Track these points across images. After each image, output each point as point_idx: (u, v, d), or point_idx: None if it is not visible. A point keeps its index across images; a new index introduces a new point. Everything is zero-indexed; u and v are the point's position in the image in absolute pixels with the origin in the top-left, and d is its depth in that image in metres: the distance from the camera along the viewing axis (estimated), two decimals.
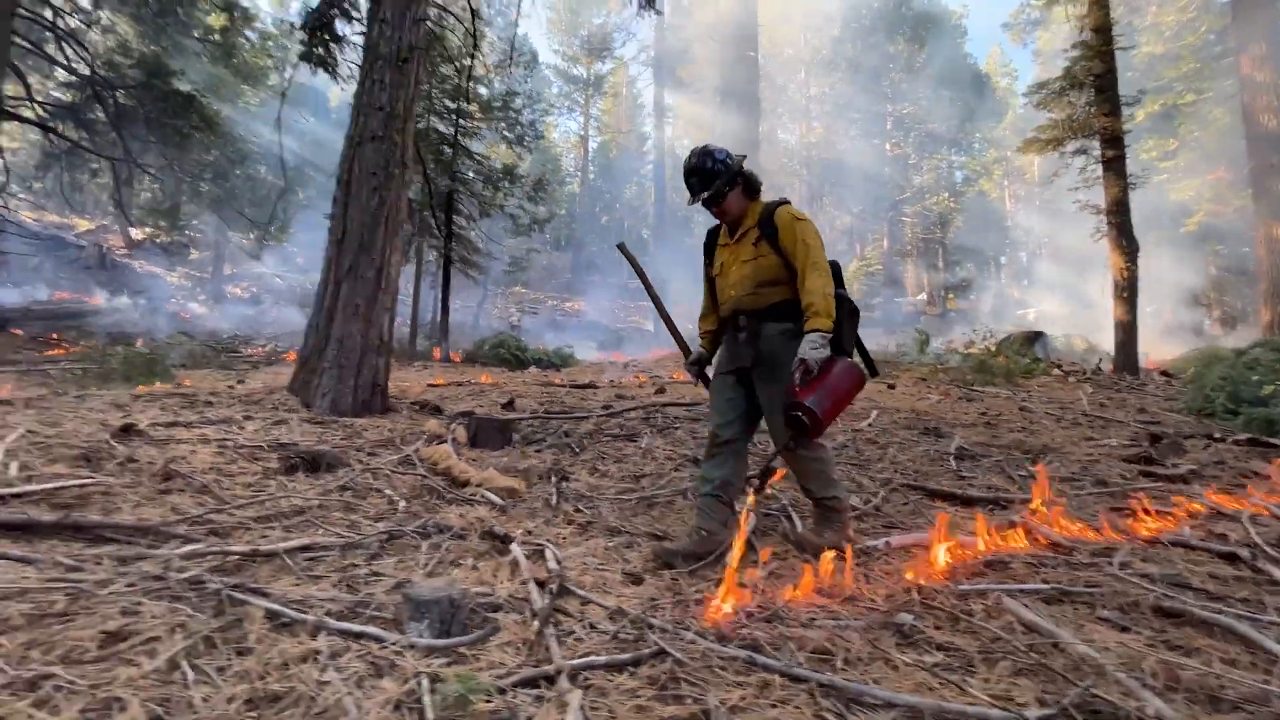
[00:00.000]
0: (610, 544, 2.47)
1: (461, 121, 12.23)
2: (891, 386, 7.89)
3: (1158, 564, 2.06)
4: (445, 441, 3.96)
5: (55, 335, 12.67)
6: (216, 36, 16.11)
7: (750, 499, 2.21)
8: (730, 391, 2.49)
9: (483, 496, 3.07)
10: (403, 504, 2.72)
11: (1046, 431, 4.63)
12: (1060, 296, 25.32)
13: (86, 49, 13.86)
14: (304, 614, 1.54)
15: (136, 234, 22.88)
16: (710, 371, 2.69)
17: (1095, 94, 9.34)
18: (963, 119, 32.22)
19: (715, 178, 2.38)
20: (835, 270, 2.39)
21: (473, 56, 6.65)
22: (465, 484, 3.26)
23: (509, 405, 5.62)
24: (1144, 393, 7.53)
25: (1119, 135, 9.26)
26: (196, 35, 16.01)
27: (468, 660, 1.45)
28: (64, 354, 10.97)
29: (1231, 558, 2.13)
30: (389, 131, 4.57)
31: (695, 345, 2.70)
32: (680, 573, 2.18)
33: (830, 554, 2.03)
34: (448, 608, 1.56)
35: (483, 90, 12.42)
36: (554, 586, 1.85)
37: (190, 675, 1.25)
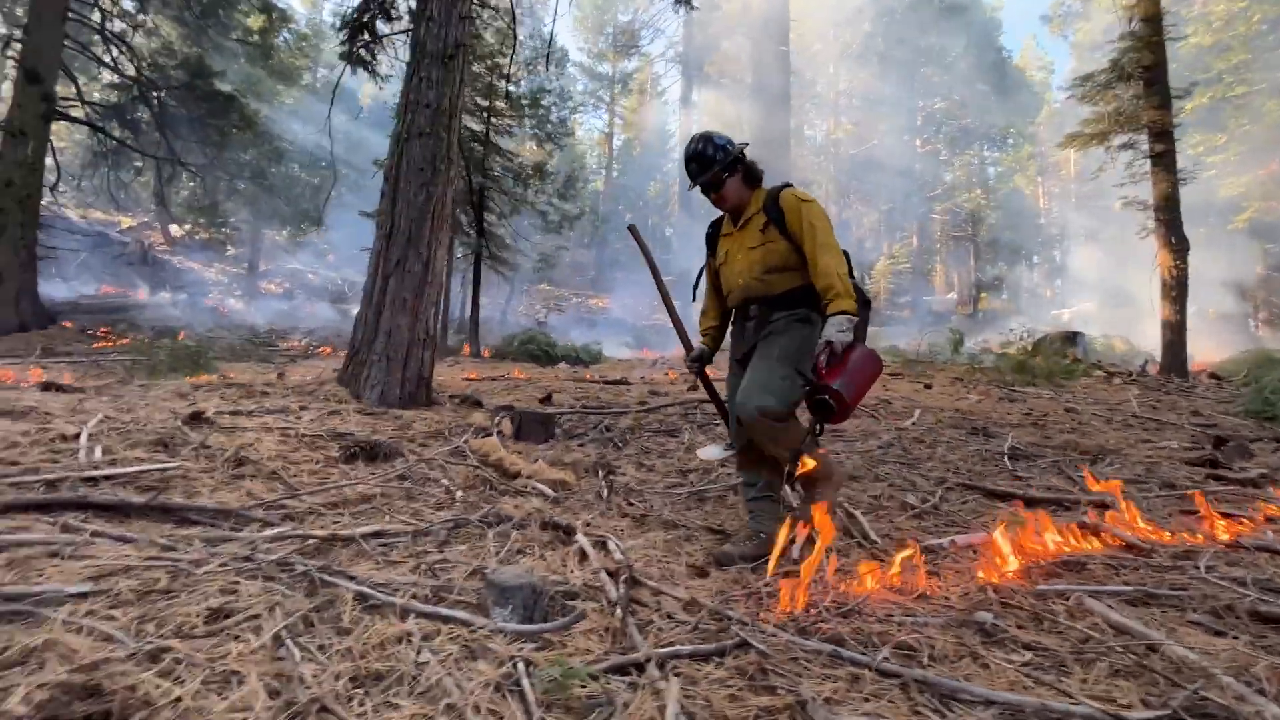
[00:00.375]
0: (669, 537, 2.48)
1: (492, 119, 12.33)
2: (928, 386, 7.76)
3: (1244, 568, 1.99)
4: (491, 434, 4.02)
5: (102, 329, 13.11)
6: (255, 37, 16.51)
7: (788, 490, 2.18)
8: (734, 365, 2.43)
9: (534, 488, 3.10)
10: (459, 494, 2.76)
11: (1098, 433, 4.51)
12: (1097, 296, 24.62)
13: (133, 50, 14.31)
14: (391, 597, 1.57)
15: (176, 230, 23.59)
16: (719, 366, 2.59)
17: (1144, 86, 9.04)
18: (996, 114, 31.47)
19: (713, 163, 2.32)
20: (846, 257, 2.31)
21: (511, 54, 6.69)
22: (516, 475, 3.30)
23: (547, 400, 5.66)
24: (1194, 395, 7.28)
25: (1168, 129, 8.96)
26: (235, 37, 16.42)
27: (554, 646, 1.47)
28: (111, 346, 11.34)
29: None
30: (436, 127, 4.63)
31: (696, 342, 2.59)
32: (744, 566, 2.17)
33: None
34: (530, 594, 1.58)
35: (512, 88, 12.51)
36: (626, 577, 1.86)
37: (296, 653, 1.28)
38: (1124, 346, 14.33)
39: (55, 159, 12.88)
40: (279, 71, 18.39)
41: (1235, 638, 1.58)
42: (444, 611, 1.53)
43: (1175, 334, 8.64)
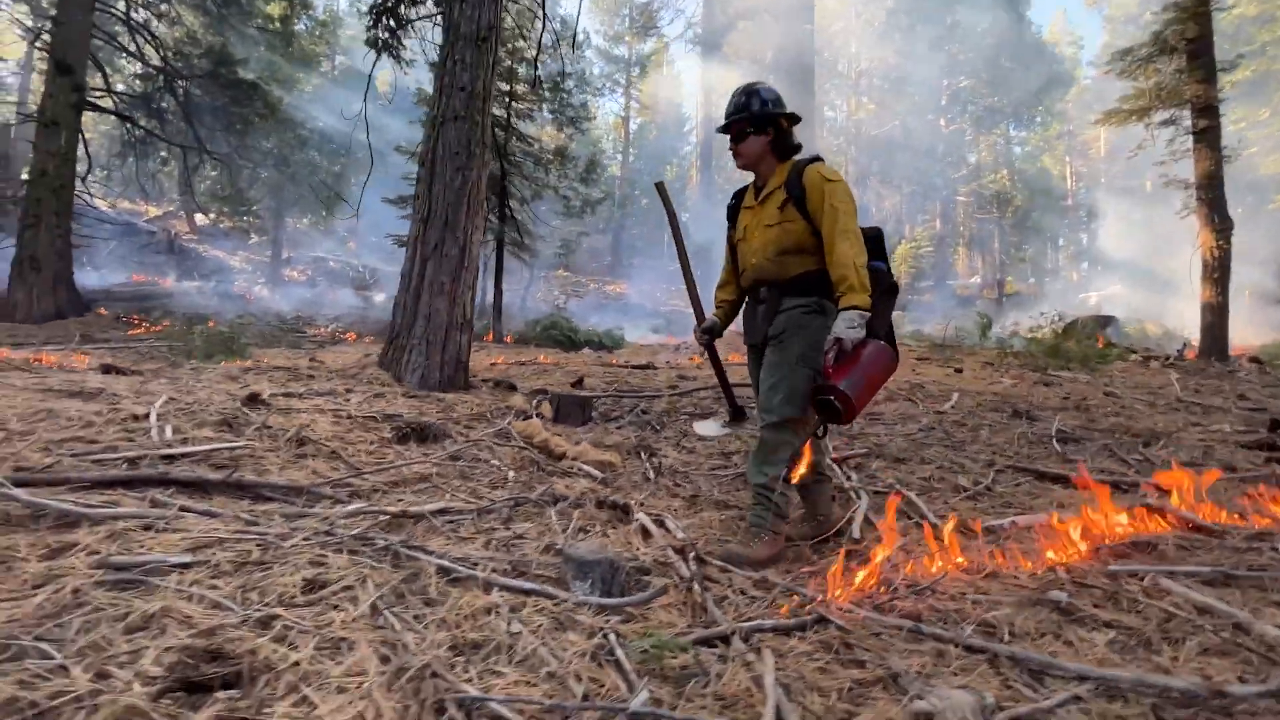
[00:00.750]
0: (722, 517, 2.49)
1: (513, 104, 12.28)
2: (959, 370, 7.67)
3: None
4: (531, 417, 4.06)
5: (135, 316, 13.40)
6: (275, 24, 16.56)
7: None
8: (751, 350, 2.37)
9: (580, 469, 3.13)
10: (511, 474, 2.80)
11: (1144, 416, 4.43)
12: (1126, 279, 24.01)
13: (158, 40, 14.43)
14: (472, 571, 1.60)
15: (200, 219, 23.95)
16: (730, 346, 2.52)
17: (1187, 60, 8.72)
18: (1024, 91, 30.58)
19: (744, 111, 2.18)
20: (878, 239, 2.20)
21: (540, 35, 6.63)
22: (561, 457, 3.33)
23: (579, 384, 5.69)
24: (1237, 379, 7.11)
25: (1213, 104, 8.64)
26: (257, 25, 16.48)
27: (636, 619, 1.49)
28: (145, 332, 11.60)
29: None
30: (470, 111, 4.62)
31: (710, 313, 2.51)
32: (805, 544, 2.18)
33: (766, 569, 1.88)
34: (608, 569, 1.61)
35: (534, 71, 12.41)
36: (694, 554, 1.88)
37: (395, 622, 1.31)
38: (1157, 330, 13.99)
39: (86, 149, 13.09)
40: (298, 58, 18.46)
41: None
42: (526, 585, 1.56)
43: (1216, 316, 8.41)
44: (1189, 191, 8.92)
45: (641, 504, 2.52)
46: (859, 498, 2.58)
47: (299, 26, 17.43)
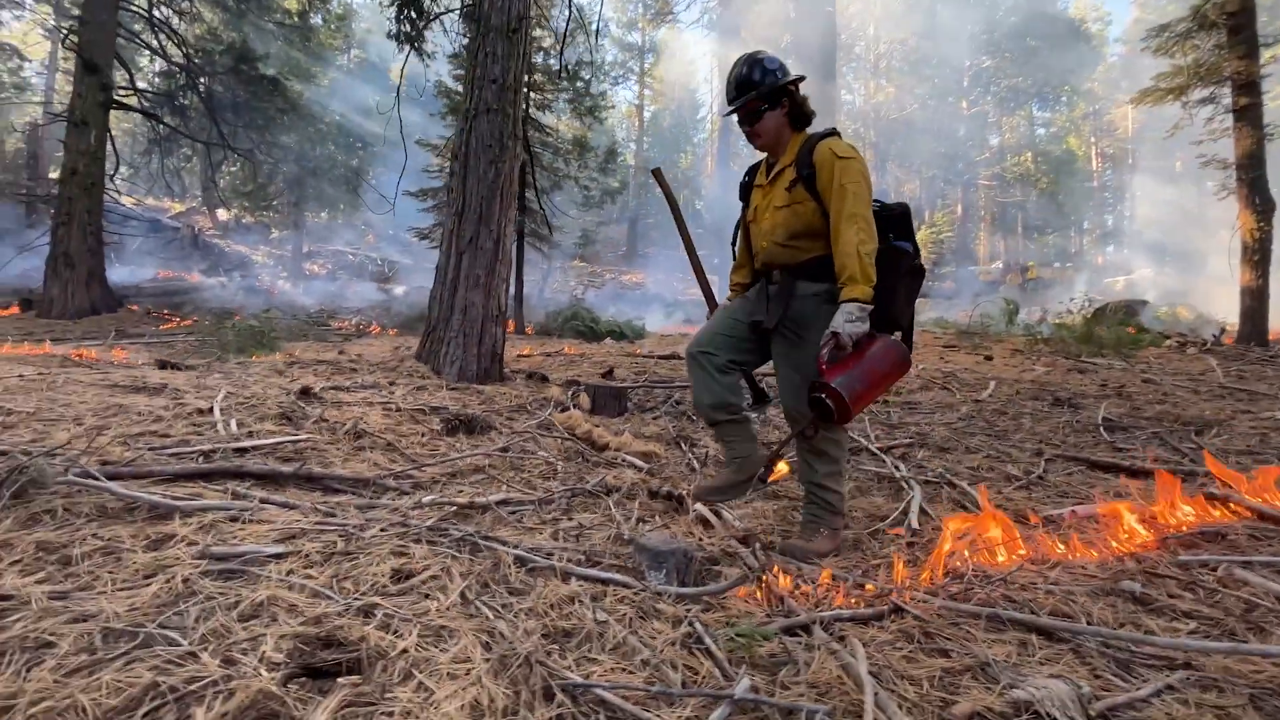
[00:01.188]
0: (775, 506, 2.51)
1: (532, 94, 12.24)
2: (988, 358, 7.57)
3: None
4: (568, 408, 4.09)
5: (165, 311, 13.67)
6: (294, 19, 16.65)
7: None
8: (741, 315, 2.17)
9: (623, 460, 3.16)
10: (560, 465, 2.84)
11: (1190, 404, 4.35)
12: (1155, 262, 23.46)
13: (181, 37, 14.59)
14: (548, 560, 1.63)
15: (222, 214, 24.30)
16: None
17: (1228, 35, 8.44)
18: (1050, 70, 29.79)
19: (754, 88, 1.99)
20: (905, 216, 2.02)
21: (568, 29, 6.60)
22: (604, 448, 3.36)
23: (609, 375, 5.71)
24: None
25: (1255, 81, 8.36)
26: (275, 20, 16.58)
27: (714, 608, 1.51)
28: (176, 327, 11.83)
29: None
30: (502, 103, 4.62)
31: (723, 299, 2.41)
32: (862, 534, 2.19)
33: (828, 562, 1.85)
34: (682, 559, 1.63)
35: (552, 62, 12.36)
36: (758, 544, 1.90)
37: (487, 611, 1.35)
38: (1189, 314, 13.67)
39: (114, 147, 13.31)
40: (316, 53, 18.57)
41: None
42: (602, 575, 1.59)
43: (1256, 301, 8.20)
44: (1228, 172, 8.67)
45: (692, 494, 2.54)
46: (910, 487, 2.58)
47: (316, 20, 17.50)
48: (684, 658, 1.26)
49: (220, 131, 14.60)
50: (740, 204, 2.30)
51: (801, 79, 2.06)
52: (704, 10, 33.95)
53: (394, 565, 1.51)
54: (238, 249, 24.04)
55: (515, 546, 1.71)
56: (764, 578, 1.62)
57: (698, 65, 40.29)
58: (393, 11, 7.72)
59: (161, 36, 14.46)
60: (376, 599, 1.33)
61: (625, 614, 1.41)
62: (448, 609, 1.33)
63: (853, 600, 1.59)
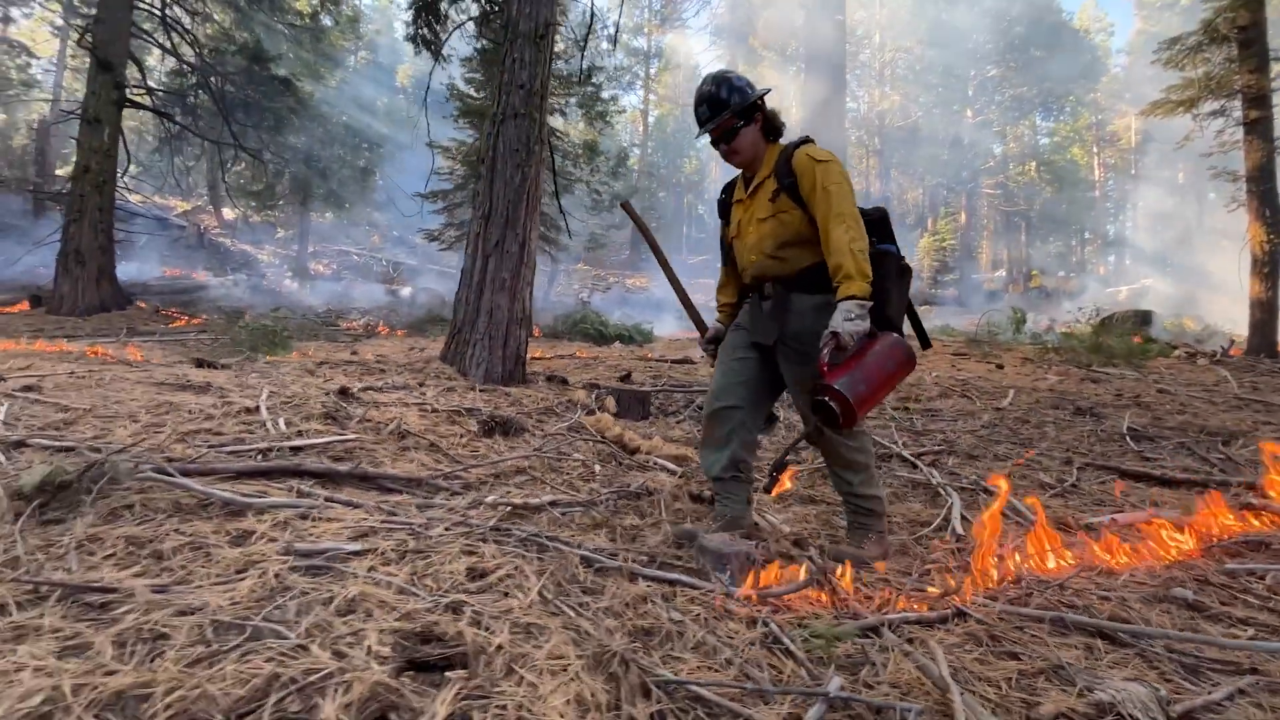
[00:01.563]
0: (815, 511, 2.54)
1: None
2: (1000, 367, 7.62)
3: None
4: (594, 411, 4.12)
5: (174, 309, 13.69)
6: (305, 20, 16.73)
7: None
8: (742, 352, 2.11)
9: (655, 463, 3.19)
10: (597, 468, 2.87)
11: (1210, 414, 4.39)
12: (1158, 273, 23.56)
13: (194, 36, 14.66)
14: (614, 561, 1.66)
15: (228, 213, 24.33)
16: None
17: (1239, 48, 8.52)
18: (1054, 80, 29.97)
19: (726, 107, 1.99)
20: (883, 220, 2.01)
21: (589, 34, 6.66)
22: (635, 451, 3.40)
23: (626, 378, 5.75)
24: None
25: (1265, 94, 8.44)
26: (287, 20, 16.66)
27: (782, 610, 1.54)
28: (186, 325, 11.85)
29: None
30: (529, 109, 4.67)
31: (712, 320, 2.35)
32: (907, 540, 2.22)
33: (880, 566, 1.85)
34: (745, 560, 1.66)
35: (565, 65, 12.44)
36: (816, 548, 1.93)
37: (566, 609, 1.38)
38: (1195, 325, 13.74)
39: (125, 145, 13.36)
40: (327, 53, 18.66)
41: None
42: (669, 575, 1.62)
43: (1265, 313, 8.26)
44: (1238, 184, 8.74)
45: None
46: (948, 494, 2.61)
47: (326, 21, 17.58)
48: (766, 657, 1.29)
49: (231, 131, 14.66)
50: (720, 222, 2.27)
51: (768, 91, 2.07)
52: (711, 18, 34.14)
53: (468, 564, 1.53)
54: (243, 248, 24.06)
55: (579, 547, 1.74)
56: (830, 580, 1.65)
57: (703, 71, 40.37)
58: (409, 15, 7.78)
59: (174, 35, 14.53)
60: (461, 596, 1.36)
61: (699, 614, 1.44)
62: (529, 607, 1.36)
63: (915, 604, 1.62)
